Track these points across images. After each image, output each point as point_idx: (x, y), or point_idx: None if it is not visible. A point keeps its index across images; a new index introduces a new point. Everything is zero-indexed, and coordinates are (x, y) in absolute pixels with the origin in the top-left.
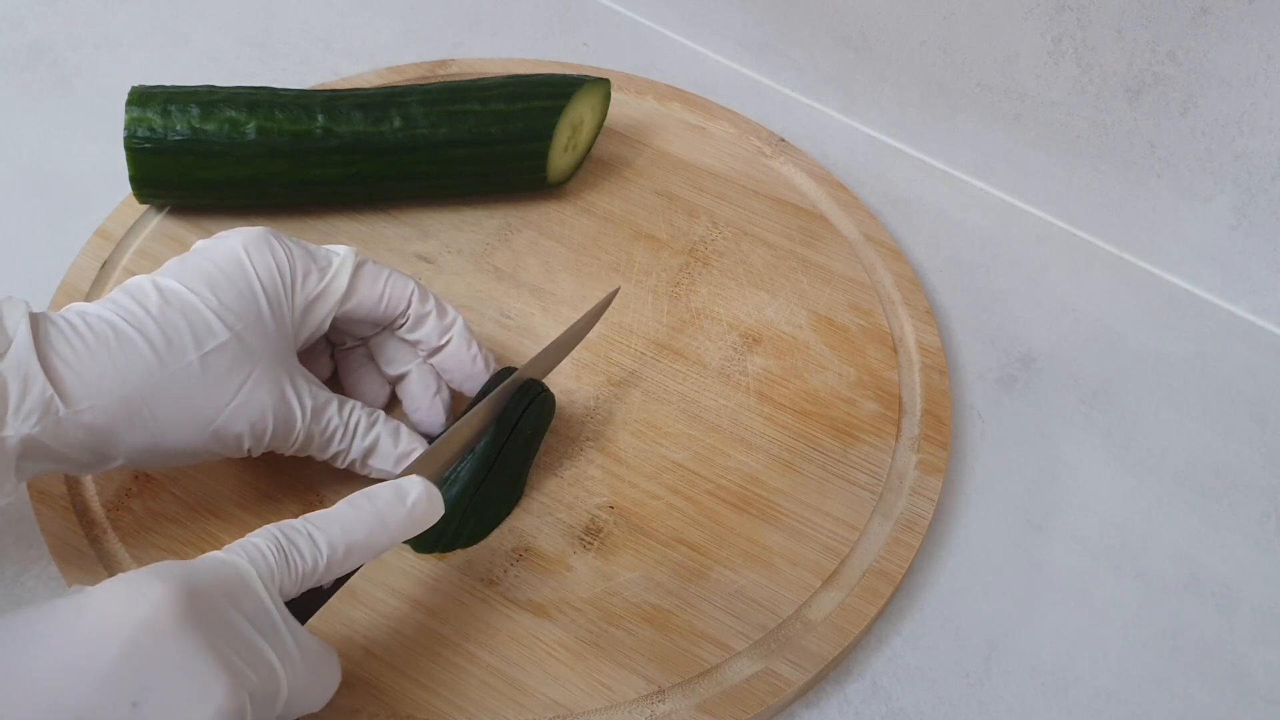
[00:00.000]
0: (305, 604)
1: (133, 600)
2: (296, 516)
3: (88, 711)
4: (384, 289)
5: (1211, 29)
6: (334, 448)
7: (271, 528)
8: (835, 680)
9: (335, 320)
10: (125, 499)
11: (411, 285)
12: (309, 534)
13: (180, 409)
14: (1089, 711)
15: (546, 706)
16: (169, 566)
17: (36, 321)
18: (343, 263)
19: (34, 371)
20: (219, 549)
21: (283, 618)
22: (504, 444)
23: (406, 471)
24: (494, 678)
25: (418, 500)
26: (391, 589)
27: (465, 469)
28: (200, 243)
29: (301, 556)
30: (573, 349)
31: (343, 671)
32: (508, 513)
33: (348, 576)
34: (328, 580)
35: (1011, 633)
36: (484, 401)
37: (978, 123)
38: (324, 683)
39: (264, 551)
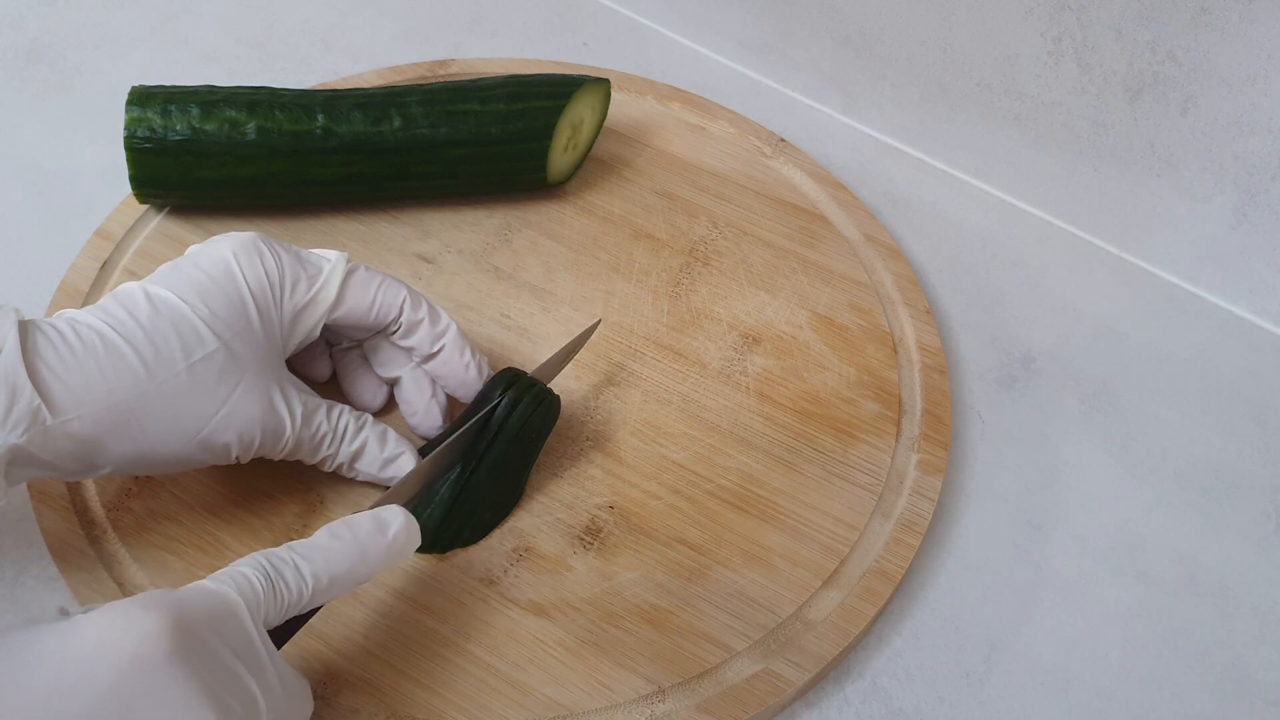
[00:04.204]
0: (282, 631)
1: (123, 631)
2: (296, 516)
3: None
4: (374, 296)
5: (1211, 29)
6: (322, 452)
7: (258, 556)
8: (835, 680)
9: (326, 326)
10: (125, 499)
11: (403, 292)
12: (295, 564)
13: (168, 419)
14: (1089, 711)
15: (546, 706)
16: (159, 596)
17: (25, 330)
18: (332, 270)
19: (22, 381)
20: (218, 549)
21: (266, 648)
22: (508, 446)
23: (382, 501)
24: (494, 678)
25: (398, 532)
26: (391, 589)
27: (466, 469)
28: (193, 248)
29: (287, 586)
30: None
31: (343, 671)
32: (508, 513)
33: (321, 605)
34: (308, 609)
35: (1011, 633)
36: (461, 432)
37: (978, 123)
38: (300, 713)
39: (251, 581)
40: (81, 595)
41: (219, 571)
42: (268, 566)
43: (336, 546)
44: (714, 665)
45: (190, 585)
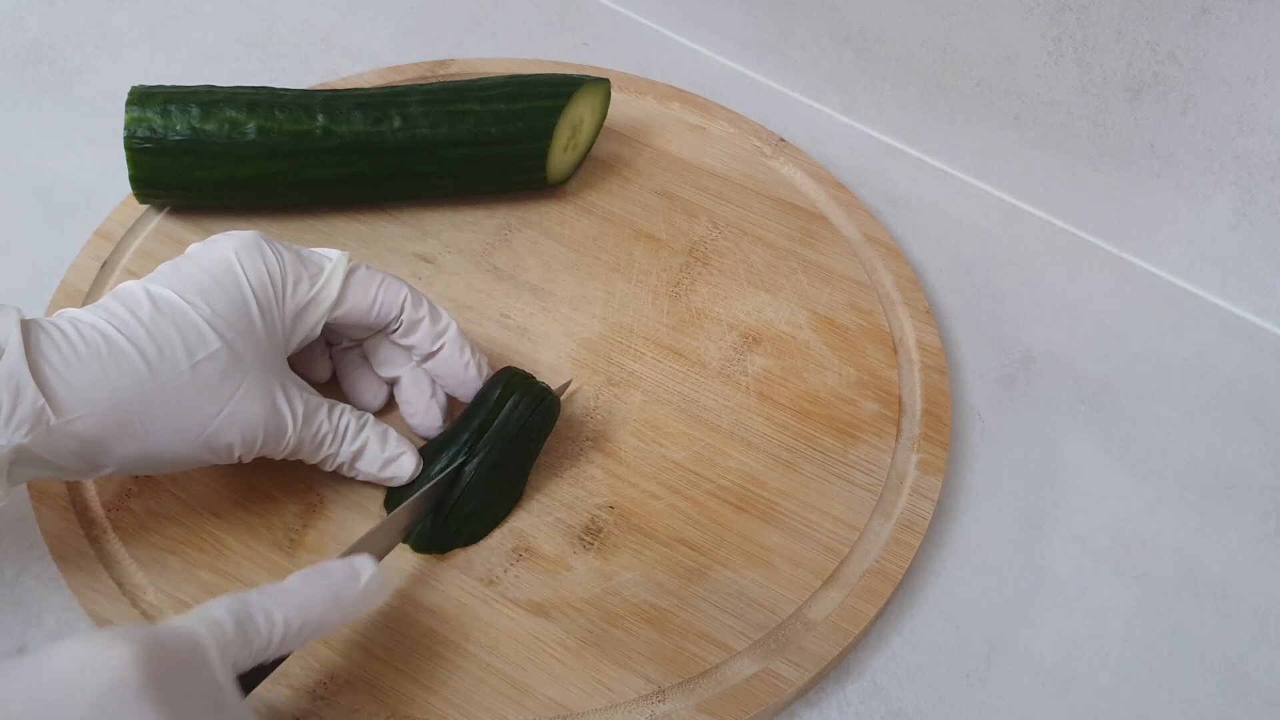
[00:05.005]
0: (248, 679)
1: (97, 662)
2: (296, 516)
3: None
4: (376, 295)
5: (1211, 29)
6: (323, 451)
7: (229, 598)
8: (835, 680)
9: (327, 325)
10: (125, 499)
11: (404, 291)
12: (265, 609)
13: (171, 419)
14: (1089, 711)
15: (546, 706)
16: (130, 629)
17: (28, 329)
18: (334, 269)
19: (25, 382)
20: (218, 549)
21: (231, 694)
22: (507, 446)
23: (353, 550)
24: (494, 678)
25: (370, 581)
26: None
27: (467, 469)
28: (193, 247)
29: (258, 631)
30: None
31: (343, 671)
32: (508, 513)
33: (289, 654)
34: (276, 655)
35: (1011, 633)
36: (431, 486)
37: (978, 123)
38: None
39: (222, 623)
40: (81, 595)
41: (190, 611)
42: (239, 609)
43: (308, 591)
44: (714, 665)
45: (161, 623)
